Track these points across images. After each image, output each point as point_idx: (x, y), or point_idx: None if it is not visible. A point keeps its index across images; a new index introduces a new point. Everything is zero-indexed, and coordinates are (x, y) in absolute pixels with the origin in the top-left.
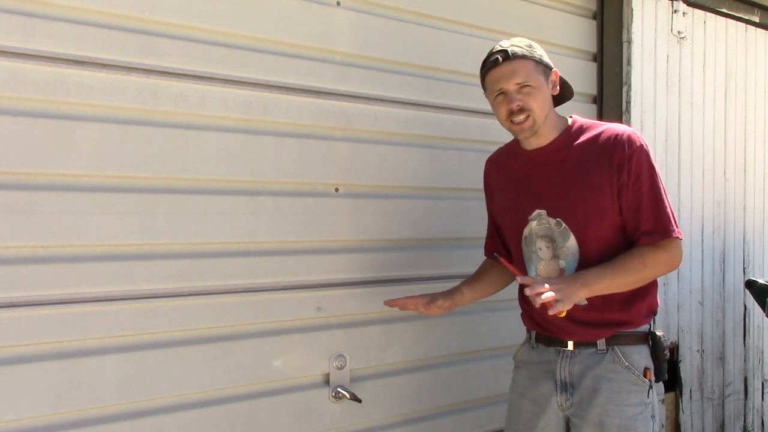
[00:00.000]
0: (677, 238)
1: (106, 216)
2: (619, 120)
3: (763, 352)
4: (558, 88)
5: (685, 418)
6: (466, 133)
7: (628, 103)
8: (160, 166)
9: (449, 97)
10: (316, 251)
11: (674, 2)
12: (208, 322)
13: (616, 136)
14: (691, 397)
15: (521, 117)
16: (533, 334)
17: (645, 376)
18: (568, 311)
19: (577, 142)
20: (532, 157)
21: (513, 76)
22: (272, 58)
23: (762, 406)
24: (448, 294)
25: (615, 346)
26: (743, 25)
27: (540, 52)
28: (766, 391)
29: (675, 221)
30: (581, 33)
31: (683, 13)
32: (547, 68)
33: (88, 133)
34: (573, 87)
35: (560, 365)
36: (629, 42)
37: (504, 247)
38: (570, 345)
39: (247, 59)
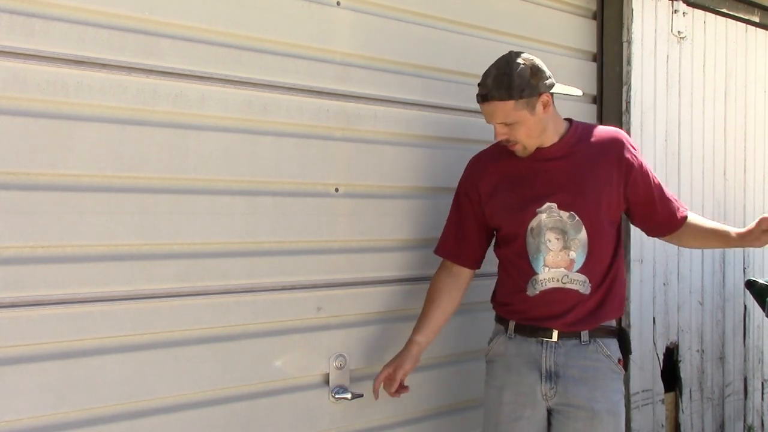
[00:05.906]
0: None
1: (106, 216)
2: (619, 120)
3: (763, 352)
4: (552, 105)
5: (684, 418)
6: (466, 133)
7: (628, 103)
8: (160, 166)
9: (449, 97)
10: (316, 251)
11: (674, 2)
12: (208, 322)
13: (618, 136)
14: (691, 397)
15: (509, 144)
16: (512, 324)
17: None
18: (576, 297)
19: (582, 140)
20: (537, 154)
21: (492, 117)
22: (272, 58)
23: (762, 406)
24: (406, 354)
25: (597, 338)
26: (743, 25)
27: (521, 82)
28: (766, 391)
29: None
30: (581, 33)
31: (683, 13)
32: (531, 98)
33: (88, 133)
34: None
35: (545, 355)
36: (629, 42)
37: (471, 249)
38: (554, 335)
39: (247, 59)
